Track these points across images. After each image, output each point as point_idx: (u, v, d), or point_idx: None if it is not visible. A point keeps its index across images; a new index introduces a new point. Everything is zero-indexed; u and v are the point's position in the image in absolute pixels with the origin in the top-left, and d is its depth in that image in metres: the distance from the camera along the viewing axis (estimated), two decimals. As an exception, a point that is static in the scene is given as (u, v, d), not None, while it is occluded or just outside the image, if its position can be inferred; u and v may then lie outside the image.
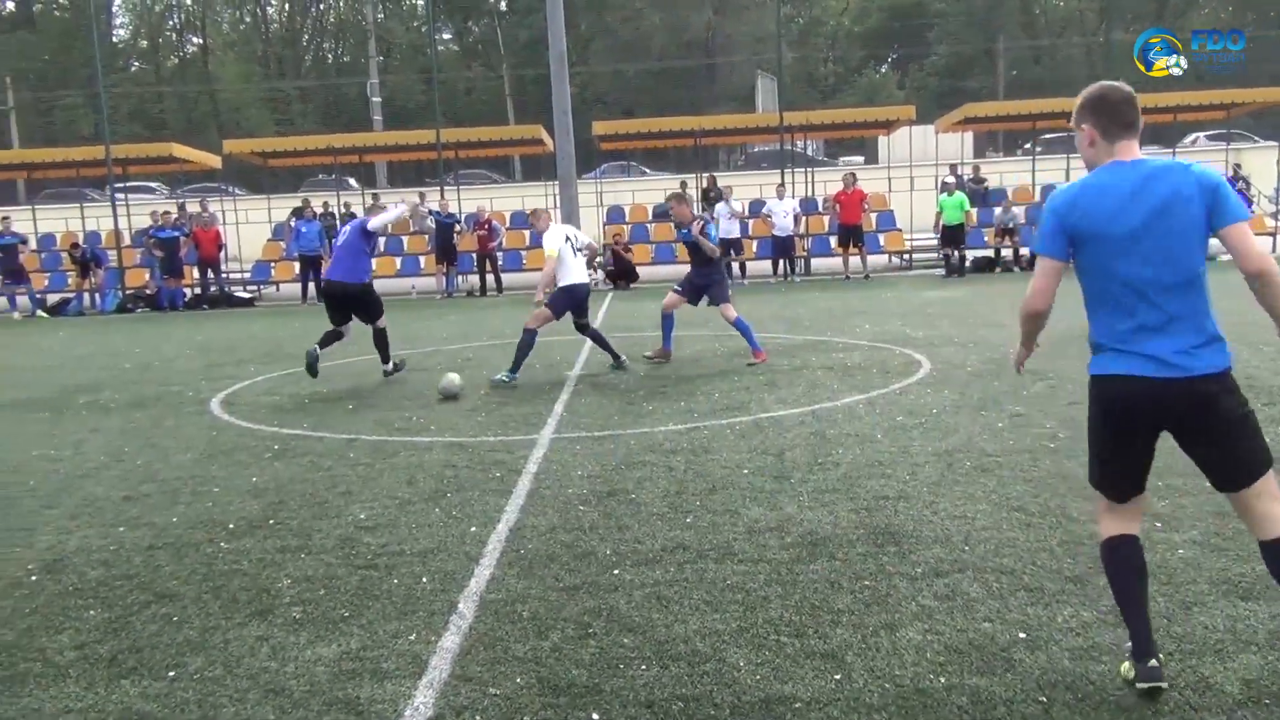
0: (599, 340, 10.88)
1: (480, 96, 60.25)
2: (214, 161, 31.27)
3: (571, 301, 10.52)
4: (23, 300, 24.21)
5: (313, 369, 10.36)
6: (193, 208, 26.98)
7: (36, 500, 6.57)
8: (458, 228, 24.52)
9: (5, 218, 25.00)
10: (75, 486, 6.90)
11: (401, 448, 7.59)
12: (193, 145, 32.26)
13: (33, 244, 26.84)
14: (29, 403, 10.52)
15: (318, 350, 10.52)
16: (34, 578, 5.06)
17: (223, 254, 25.44)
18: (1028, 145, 34.52)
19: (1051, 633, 3.88)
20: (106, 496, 6.59)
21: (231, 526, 5.79)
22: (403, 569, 4.93)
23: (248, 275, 26.99)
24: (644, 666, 3.77)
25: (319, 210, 25.82)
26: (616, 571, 4.75)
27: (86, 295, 24.88)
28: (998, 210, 24.88)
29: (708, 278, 11.14)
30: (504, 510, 5.83)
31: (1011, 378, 9.17)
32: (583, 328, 10.84)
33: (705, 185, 27.64)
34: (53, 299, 25.15)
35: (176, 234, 24.00)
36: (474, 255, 24.47)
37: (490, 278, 24.07)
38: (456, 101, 56.99)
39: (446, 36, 64.64)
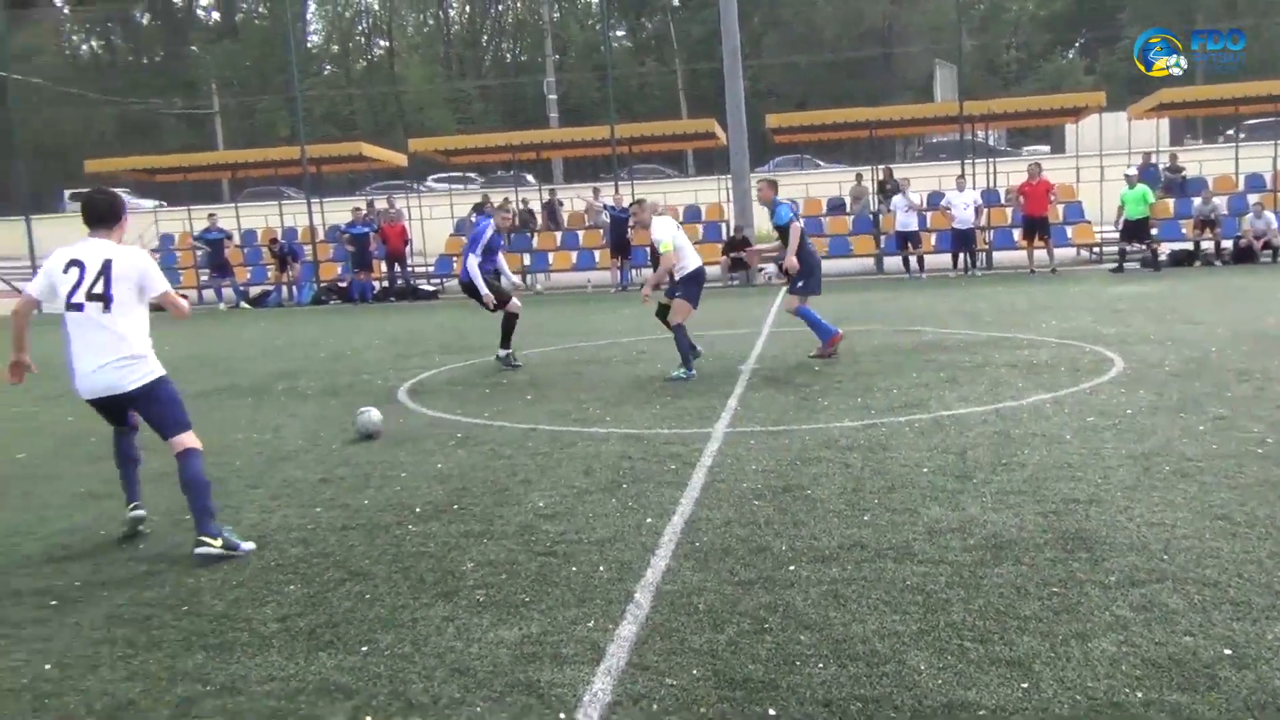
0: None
1: (654, 92, 60.79)
2: (400, 159, 32.53)
3: (700, 285, 10.50)
4: (227, 292, 25.83)
5: (510, 363, 11.54)
6: (380, 204, 28.15)
7: (242, 480, 7.00)
8: (632, 222, 24.78)
9: (212, 215, 26.72)
10: (276, 468, 7.31)
11: (578, 438, 7.73)
12: (380, 144, 33.66)
13: (236, 239, 28.56)
14: (233, 389, 11.20)
15: (504, 354, 11.65)
16: (240, 553, 5.39)
17: (408, 249, 26.47)
18: (1230, 132, 32.47)
19: (1260, 650, 3.64)
20: (304, 478, 6.96)
21: (418, 510, 6.02)
22: (581, 557, 5.03)
23: (431, 269, 28.00)
24: (821, 664, 3.73)
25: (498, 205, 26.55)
26: (792, 568, 4.72)
27: (284, 288, 26.31)
28: (1197, 201, 23.52)
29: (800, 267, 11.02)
30: (679, 502, 5.86)
31: (1214, 378, 8.65)
32: (665, 309, 10.74)
33: (881, 177, 27.11)
34: (254, 291, 26.71)
35: (366, 230, 25.11)
36: (648, 249, 24.65)
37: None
38: (630, 97, 57.62)
39: (620, 33, 65.52)
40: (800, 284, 11.00)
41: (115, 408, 5.62)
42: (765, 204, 11.16)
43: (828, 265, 24.35)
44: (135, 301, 5.45)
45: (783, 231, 10.99)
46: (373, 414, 8.27)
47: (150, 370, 5.47)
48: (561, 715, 3.46)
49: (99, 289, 5.35)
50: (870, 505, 5.61)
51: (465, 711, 3.53)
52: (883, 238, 25.29)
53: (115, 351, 5.37)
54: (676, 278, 10.47)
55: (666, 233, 10.32)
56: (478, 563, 5.03)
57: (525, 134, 34.48)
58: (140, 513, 5.85)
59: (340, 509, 6.15)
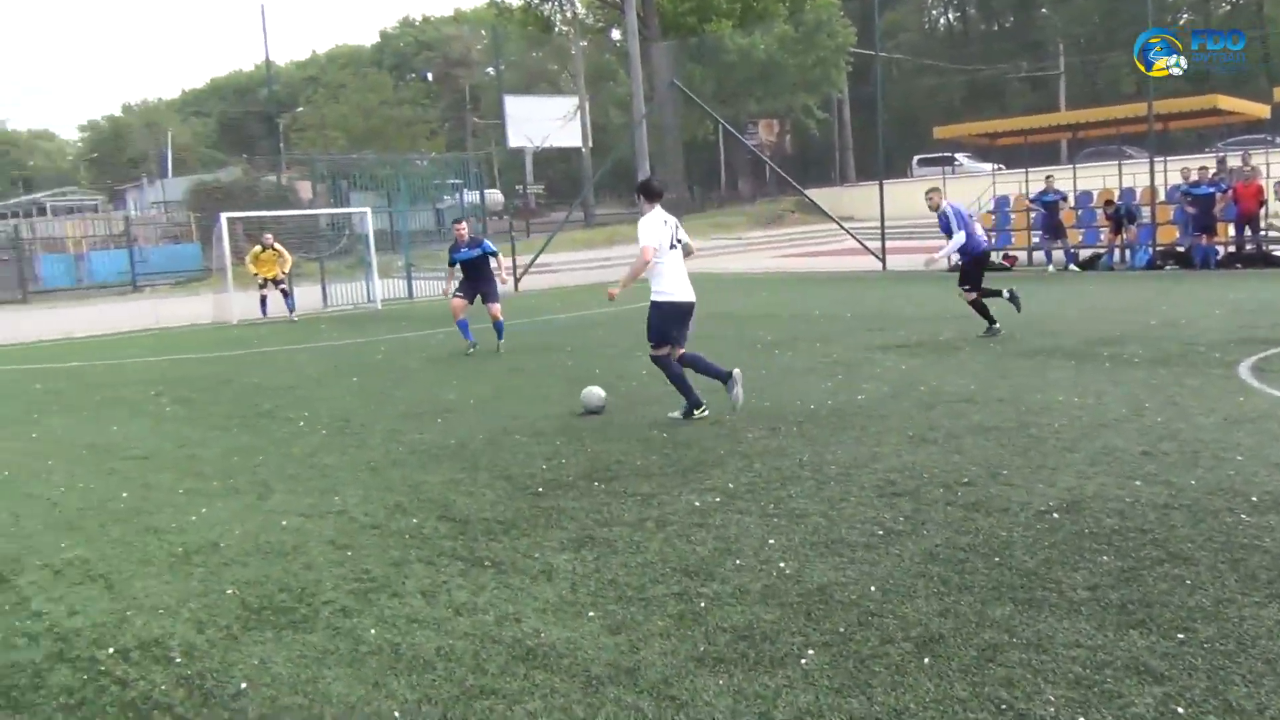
0: None
1: None
2: (1261, 111, 29.18)
3: None
4: (1057, 255, 25.65)
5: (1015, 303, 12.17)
6: (1233, 162, 25.61)
7: (1059, 443, 6.95)
8: None
9: (1049, 177, 26.67)
10: (1095, 434, 7.12)
11: None
12: (1239, 96, 30.52)
13: (1071, 201, 28.21)
14: (1054, 350, 11.12)
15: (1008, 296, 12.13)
16: (1054, 515, 5.37)
17: (1263, 210, 23.72)
18: None
19: None
20: (1125, 448, 6.68)
21: (1254, 499, 5.42)
22: None
23: (1290, 233, 24.76)
24: None
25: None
26: None
27: (1117, 251, 25.35)
28: None
29: None
30: None
31: None
32: None
33: None
34: (1085, 254, 26.15)
35: (1212, 190, 23.06)
36: None
37: None
38: None
39: None
40: None
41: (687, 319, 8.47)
42: None
43: None
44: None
45: None
46: (595, 391, 9.17)
47: None
48: None
49: (679, 237, 8.45)
50: None
51: (1297, 732, 3.11)
52: None
53: (686, 275, 8.47)
54: None
55: None
56: (1325, 568, 4.38)
57: None
58: (707, 412, 8.39)
59: (1162, 485, 5.79)
